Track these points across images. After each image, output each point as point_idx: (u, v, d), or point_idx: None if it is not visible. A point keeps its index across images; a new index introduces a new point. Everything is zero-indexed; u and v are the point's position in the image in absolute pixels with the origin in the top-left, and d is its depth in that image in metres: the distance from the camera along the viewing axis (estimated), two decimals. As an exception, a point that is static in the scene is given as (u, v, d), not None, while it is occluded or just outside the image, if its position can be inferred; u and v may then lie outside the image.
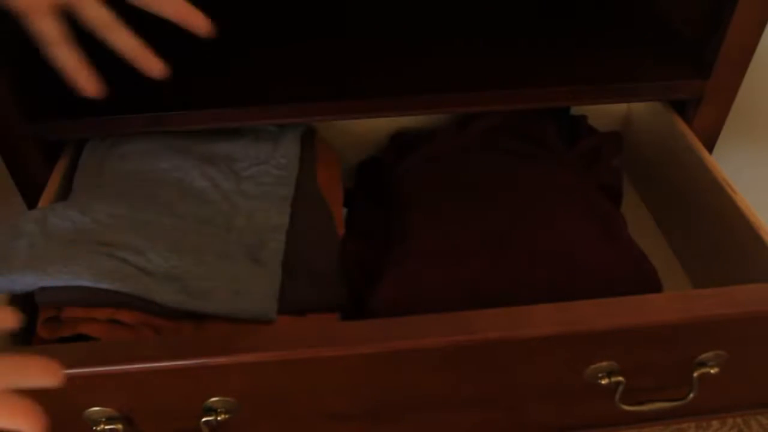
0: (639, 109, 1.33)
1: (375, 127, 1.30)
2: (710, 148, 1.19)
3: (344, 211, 1.20)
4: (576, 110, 1.33)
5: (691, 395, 0.90)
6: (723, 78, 1.14)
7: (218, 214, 1.06)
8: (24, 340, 0.93)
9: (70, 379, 0.78)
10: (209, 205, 1.07)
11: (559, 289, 0.95)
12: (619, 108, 1.38)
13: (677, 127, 1.19)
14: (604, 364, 0.87)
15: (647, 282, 1.02)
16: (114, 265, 0.92)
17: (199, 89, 1.14)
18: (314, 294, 1.00)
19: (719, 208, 1.07)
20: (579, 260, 1.03)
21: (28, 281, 0.90)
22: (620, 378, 0.88)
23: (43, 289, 0.90)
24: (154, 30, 1.27)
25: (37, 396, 0.81)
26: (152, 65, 0.88)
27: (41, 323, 0.90)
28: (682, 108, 1.21)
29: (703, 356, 0.89)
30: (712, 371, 0.90)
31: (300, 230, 1.05)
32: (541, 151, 1.22)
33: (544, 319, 0.84)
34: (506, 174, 1.17)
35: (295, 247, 1.03)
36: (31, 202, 1.16)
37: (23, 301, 0.93)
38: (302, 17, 1.32)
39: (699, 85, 1.15)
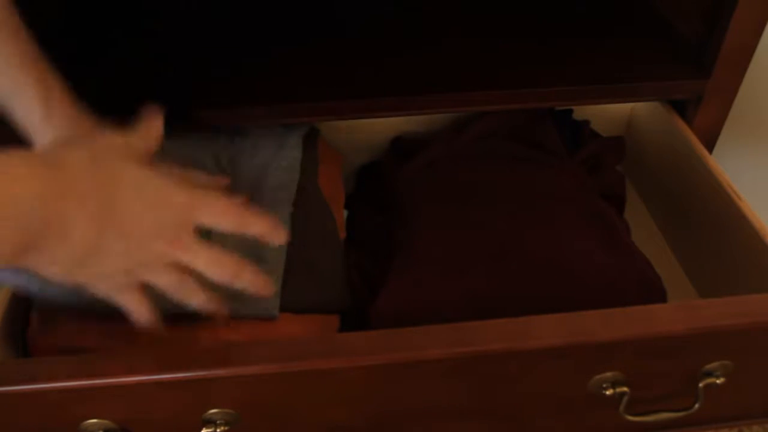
0: (642, 112, 1.27)
1: (375, 132, 1.25)
2: (710, 148, 1.15)
3: (345, 213, 1.14)
4: (578, 114, 1.27)
5: (697, 405, 0.85)
6: (723, 78, 1.09)
7: None
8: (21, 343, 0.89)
9: (67, 390, 0.75)
10: None
11: (563, 300, 0.90)
12: (622, 112, 1.32)
13: (681, 132, 1.13)
14: (609, 374, 0.82)
15: (652, 291, 0.97)
16: None
17: (200, 90, 1.10)
18: (316, 293, 0.95)
19: (724, 215, 1.02)
20: (582, 270, 0.97)
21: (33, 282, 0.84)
22: (625, 388, 0.82)
23: (42, 290, 0.84)
24: (153, 32, 1.24)
25: (33, 407, 0.77)
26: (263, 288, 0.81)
27: (37, 328, 0.85)
28: (682, 108, 1.16)
29: (709, 366, 0.84)
30: (718, 381, 0.84)
31: (302, 232, 0.99)
32: (544, 156, 1.15)
33: (548, 331, 0.78)
34: (508, 180, 1.11)
35: (297, 247, 0.97)
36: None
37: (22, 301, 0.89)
38: (303, 17, 1.27)
39: (699, 85, 1.10)
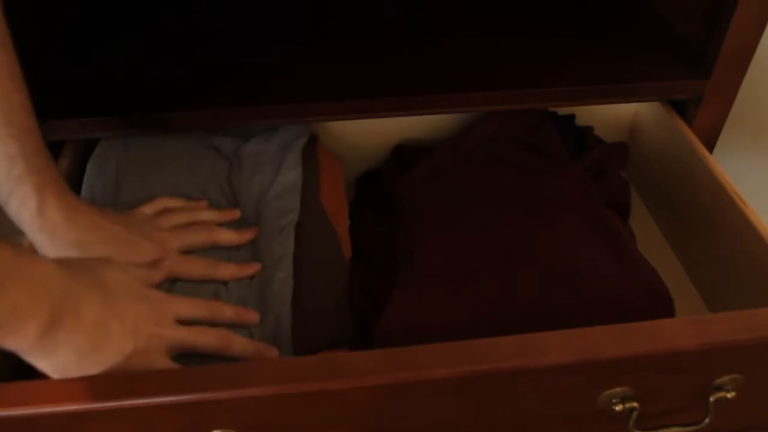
0: (645, 117, 1.24)
1: (376, 139, 1.21)
2: (710, 148, 1.13)
3: (348, 222, 1.10)
4: (581, 119, 1.24)
5: (707, 420, 0.82)
6: (723, 78, 1.07)
7: (222, 251, 0.99)
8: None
9: (67, 414, 0.72)
10: (218, 252, 0.98)
11: (570, 312, 0.88)
12: (625, 117, 1.28)
13: (684, 137, 1.10)
14: (618, 390, 0.79)
15: (659, 300, 0.95)
16: None
17: (199, 90, 1.08)
18: (324, 334, 0.92)
19: (729, 221, 0.99)
20: (589, 281, 0.95)
21: None
22: (634, 404, 0.80)
23: None
24: (154, 31, 1.21)
25: (31, 430, 0.74)
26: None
27: None
28: (682, 108, 1.14)
29: (720, 380, 0.81)
30: (728, 395, 0.82)
31: (307, 260, 0.96)
32: (547, 163, 1.13)
33: (557, 348, 0.75)
34: (512, 188, 1.08)
35: (303, 279, 0.94)
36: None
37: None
38: (303, 17, 1.24)
39: (699, 85, 1.08)
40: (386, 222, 1.08)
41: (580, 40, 1.17)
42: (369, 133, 1.20)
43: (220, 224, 1.00)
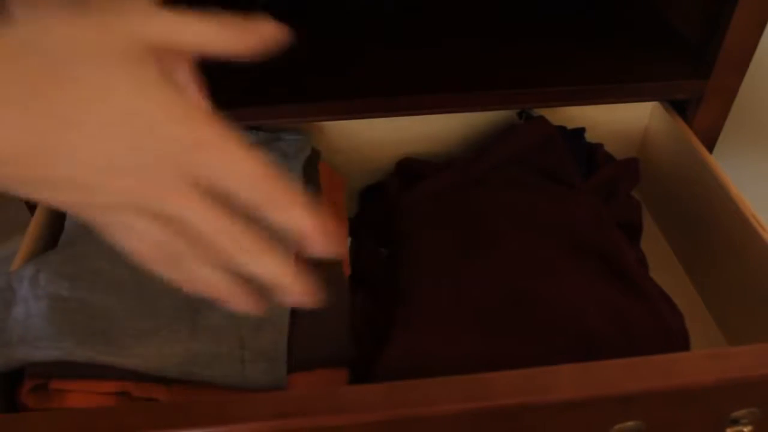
0: (656, 132, 1.19)
1: (381, 152, 1.16)
2: (710, 149, 1.10)
3: (349, 240, 1.05)
4: (592, 135, 1.18)
5: (722, 453, 0.78)
6: (723, 78, 1.04)
7: None
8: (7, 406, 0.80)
9: None
10: None
11: (579, 354, 0.82)
12: (636, 132, 1.23)
13: (700, 158, 1.05)
14: (630, 423, 0.73)
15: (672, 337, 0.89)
16: (107, 339, 0.79)
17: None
18: (322, 348, 0.86)
19: (745, 243, 0.94)
20: (600, 326, 0.88)
21: (19, 356, 0.77)
22: (646, 437, 0.75)
23: (33, 364, 0.77)
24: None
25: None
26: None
27: (27, 391, 0.77)
28: (682, 108, 1.11)
29: (736, 414, 0.75)
30: (745, 429, 0.76)
31: None
32: (559, 189, 1.06)
33: (568, 383, 0.70)
34: (521, 216, 1.01)
35: None
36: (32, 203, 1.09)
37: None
38: (301, 17, 1.20)
39: (699, 85, 1.05)
40: (388, 242, 1.03)
41: (581, 41, 1.13)
42: (374, 146, 1.15)
43: None
